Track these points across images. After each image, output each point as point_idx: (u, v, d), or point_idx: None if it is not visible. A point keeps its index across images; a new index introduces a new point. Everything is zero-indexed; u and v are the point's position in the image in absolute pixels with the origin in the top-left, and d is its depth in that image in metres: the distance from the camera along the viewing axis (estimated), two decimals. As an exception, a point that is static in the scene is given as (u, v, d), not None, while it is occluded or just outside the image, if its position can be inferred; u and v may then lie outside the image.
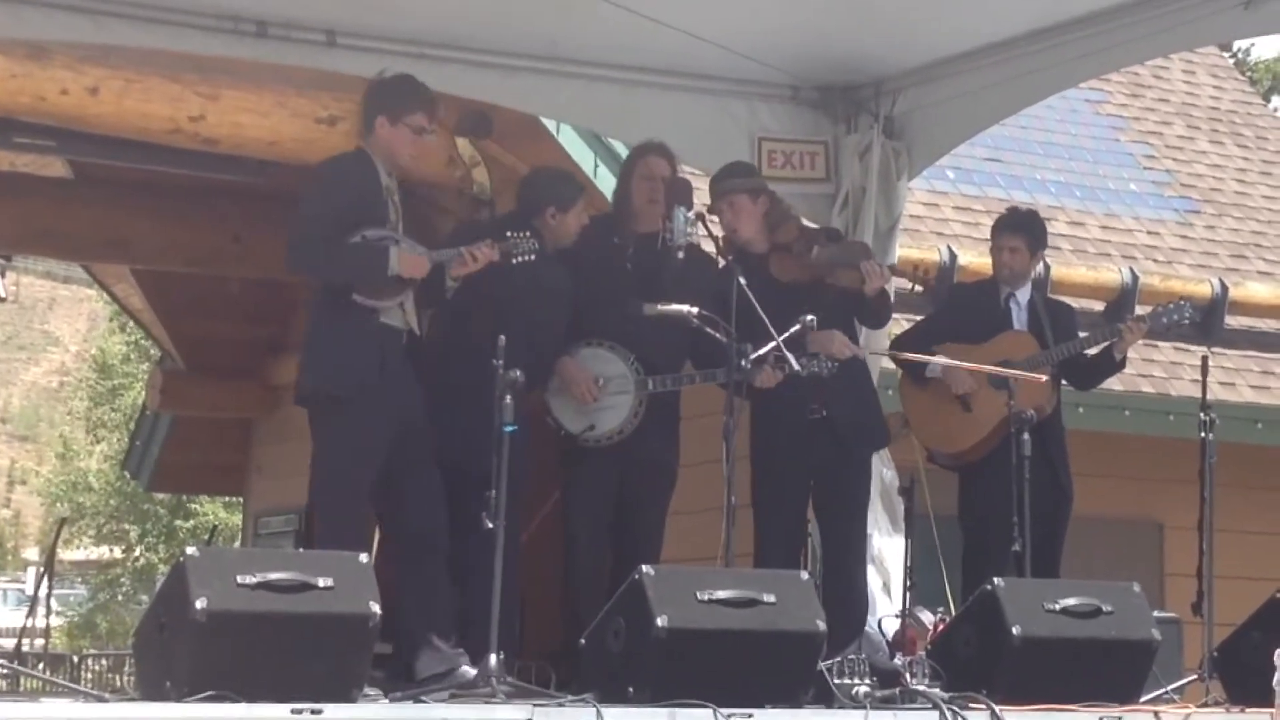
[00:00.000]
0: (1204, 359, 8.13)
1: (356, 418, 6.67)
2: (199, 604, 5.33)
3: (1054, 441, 7.88)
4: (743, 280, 6.93)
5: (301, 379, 6.85)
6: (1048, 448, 7.74)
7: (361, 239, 6.73)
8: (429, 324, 7.35)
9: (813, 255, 7.56)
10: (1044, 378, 7.74)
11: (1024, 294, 8.11)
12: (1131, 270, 11.44)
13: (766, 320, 6.95)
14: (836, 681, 6.30)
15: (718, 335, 6.94)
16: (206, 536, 24.52)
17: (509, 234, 6.92)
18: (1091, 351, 8.07)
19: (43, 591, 10.64)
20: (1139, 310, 10.44)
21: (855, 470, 7.65)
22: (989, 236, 8.33)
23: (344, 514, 6.68)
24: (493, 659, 5.96)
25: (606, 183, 9.26)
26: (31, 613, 10.80)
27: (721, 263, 7.30)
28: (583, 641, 6.18)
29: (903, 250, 9.34)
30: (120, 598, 31.61)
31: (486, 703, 5.81)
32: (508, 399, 6.22)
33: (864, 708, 6.23)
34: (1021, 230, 8.12)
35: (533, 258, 6.92)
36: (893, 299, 7.90)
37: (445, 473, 6.98)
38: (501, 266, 6.89)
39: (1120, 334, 7.93)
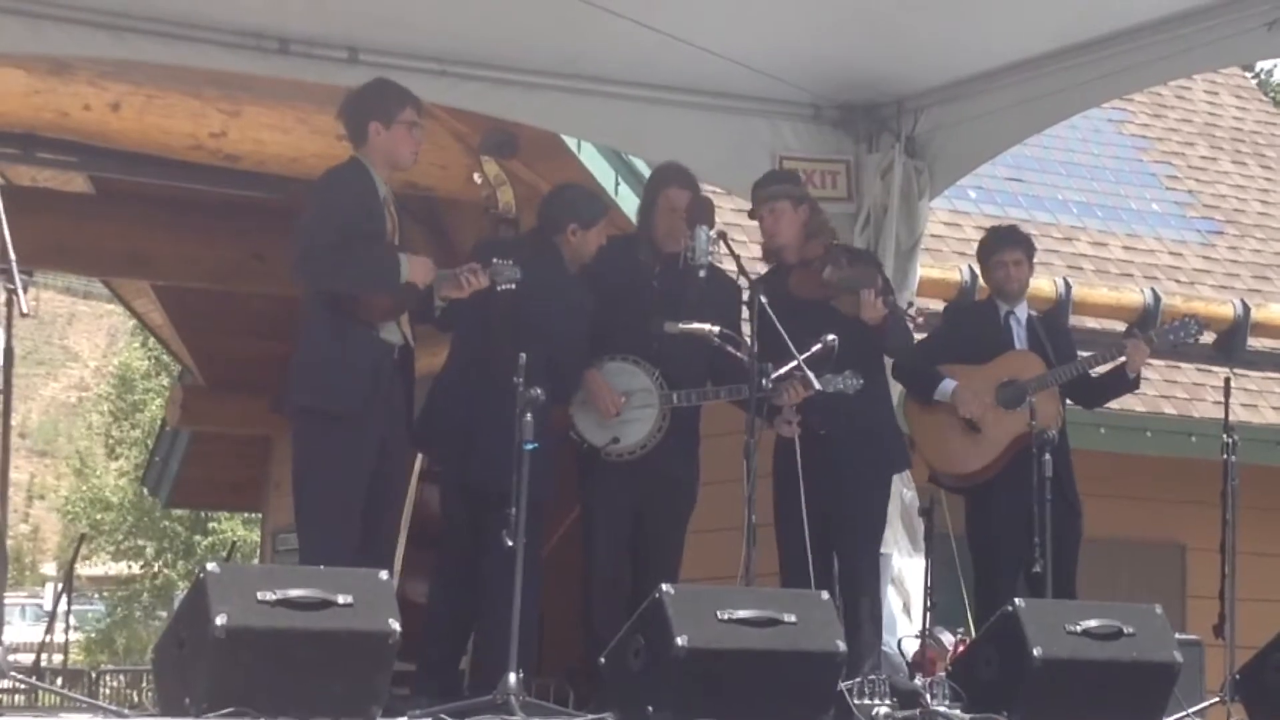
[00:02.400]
0: (1226, 380, 8.06)
1: (346, 436, 6.67)
2: (219, 620, 5.31)
3: (1061, 460, 7.83)
4: (764, 299, 6.91)
5: (293, 394, 6.80)
6: (1056, 466, 7.71)
7: (369, 247, 6.73)
8: (450, 344, 7.35)
9: (824, 275, 7.53)
10: None
11: (1022, 311, 8.07)
12: (1154, 291, 11.40)
13: (788, 339, 6.94)
14: (857, 702, 6.28)
15: (739, 354, 6.92)
16: (226, 553, 24.53)
17: (494, 260, 6.90)
18: (1099, 370, 8.03)
19: (61, 607, 10.63)
20: (1161, 331, 10.43)
21: (861, 492, 7.51)
22: (978, 259, 8.25)
23: (328, 533, 6.64)
24: (511, 677, 5.94)
25: (628, 200, 9.25)
26: (50, 628, 10.78)
27: (744, 283, 7.28)
28: (602, 660, 6.16)
29: (924, 270, 9.31)
30: (138, 614, 31.67)
31: (506, 721, 5.78)
32: (528, 417, 6.21)
33: (884, 728, 6.22)
34: (1020, 242, 8.09)
35: (514, 286, 6.84)
36: (910, 328, 7.82)
37: (469, 492, 6.99)
38: (492, 292, 6.88)
39: (1125, 350, 7.90)
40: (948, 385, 7.88)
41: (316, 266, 6.72)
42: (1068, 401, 8.05)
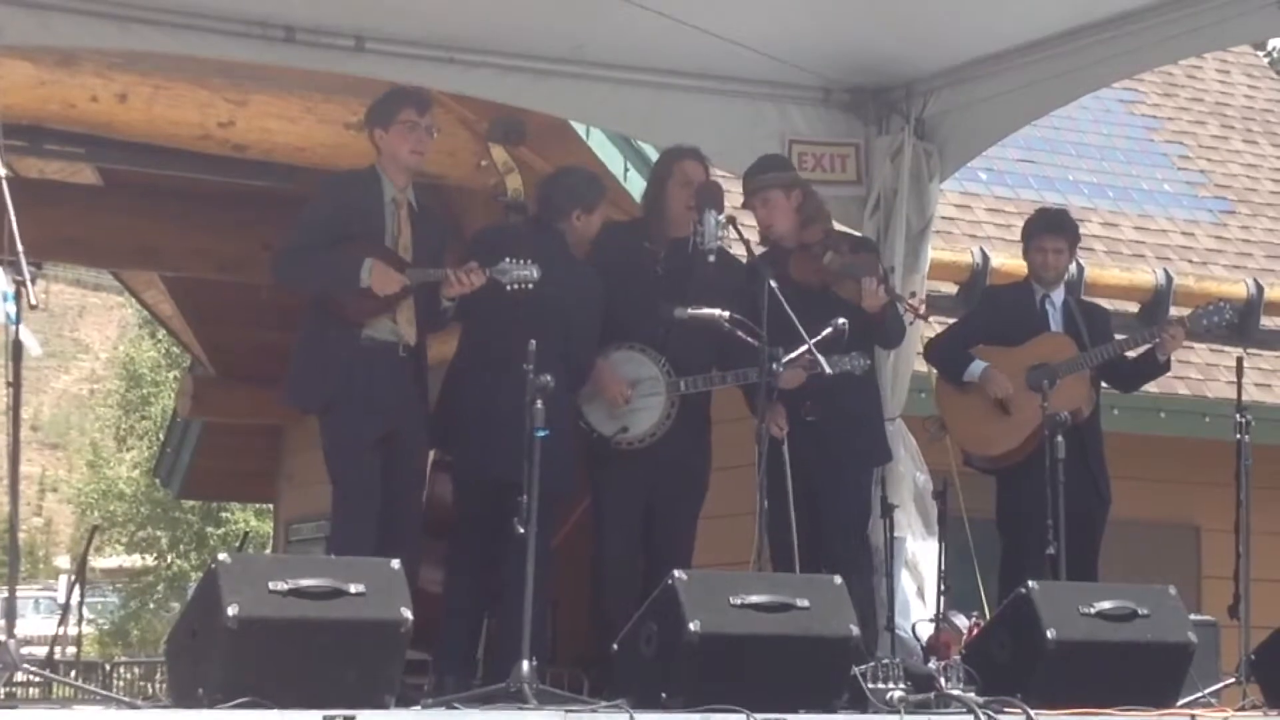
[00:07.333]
0: (1239, 360, 8.06)
1: (339, 430, 6.86)
2: (231, 610, 5.31)
3: (1092, 444, 7.84)
4: (774, 284, 6.88)
5: (282, 392, 7.12)
6: (1086, 450, 7.69)
7: (340, 250, 6.78)
8: (460, 334, 7.34)
9: (825, 260, 7.52)
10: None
11: (1059, 295, 8.09)
12: (1166, 271, 11.37)
13: (798, 324, 6.91)
14: (870, 686, 6.26)
15: (749, 339, 6.90)
16: (238, 543, 24.53)
17: (507, 260, 6.90)
18: (1132, 354, 8.02)
19: (74, 599, 10.64)
20: (1174, 312, 10.40)
21: (843, 481, 7.52)
22: (1021, 238, 8.28)
23: (343, 524, 6.81)
24: (525, 665, 5.93)
25: (637, 186, 9.22)
26: (63, 620, 10.78)
27: (748, 260, 7.25)
28: (615, 647, 6.15)
29: (935, 252, 9.29)
30: (151, 605, 31.65)
31: (520, 709, 5.77)
32: (539, 404, 6.19)
33: (898, 712, 6.19)
34: (1064, 230, 8.13)
35: (530, 286, 6.89)
36: (904, 321, 7.80)
37: (484, 483, 6.98)
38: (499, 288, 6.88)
39: (1160, 337, 7.90)
40: (977, 366, 7.91)
41: (283, 268, 7.01)
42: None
